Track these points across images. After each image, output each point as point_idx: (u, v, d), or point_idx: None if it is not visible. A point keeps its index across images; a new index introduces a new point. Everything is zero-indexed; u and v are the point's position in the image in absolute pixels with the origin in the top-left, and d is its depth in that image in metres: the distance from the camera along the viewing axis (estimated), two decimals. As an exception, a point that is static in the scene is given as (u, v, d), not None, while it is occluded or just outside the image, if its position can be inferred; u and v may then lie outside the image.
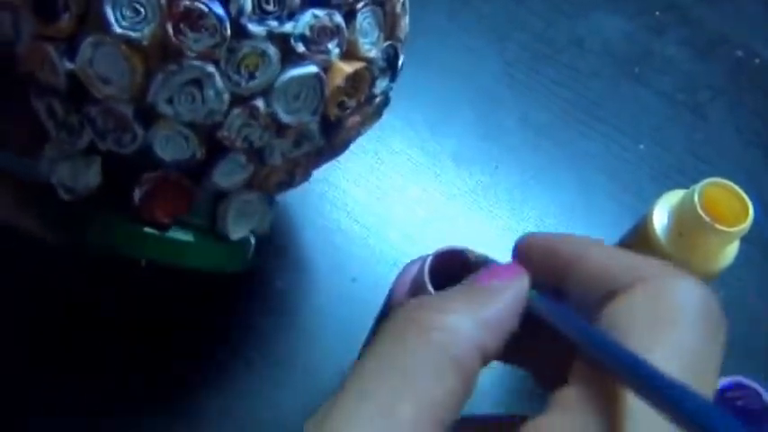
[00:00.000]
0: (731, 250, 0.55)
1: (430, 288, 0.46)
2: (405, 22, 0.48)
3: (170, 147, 0.44)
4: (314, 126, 0.45)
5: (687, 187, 0.54)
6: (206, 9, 0.38)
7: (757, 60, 0.86)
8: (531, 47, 0.84)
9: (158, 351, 0.60)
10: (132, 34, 0.38)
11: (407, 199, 0.72)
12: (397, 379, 0.22)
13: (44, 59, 0.41)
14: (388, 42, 0.47)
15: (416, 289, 0.48)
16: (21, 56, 0.43)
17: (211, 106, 0.41)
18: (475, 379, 0.23)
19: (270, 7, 0.39)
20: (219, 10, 0.38)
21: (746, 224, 0.51)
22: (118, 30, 0.38)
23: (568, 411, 0.21)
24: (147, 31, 0.38)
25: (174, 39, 0.38)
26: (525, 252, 0.27)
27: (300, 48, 0.41)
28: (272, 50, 0.40)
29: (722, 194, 0.53)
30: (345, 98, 0.45)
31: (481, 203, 0.73)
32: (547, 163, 0.76)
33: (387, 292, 0.52)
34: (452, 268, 0.49)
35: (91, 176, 0.45)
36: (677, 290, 0.22)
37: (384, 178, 0.73)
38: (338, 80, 0.43)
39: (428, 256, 0.48)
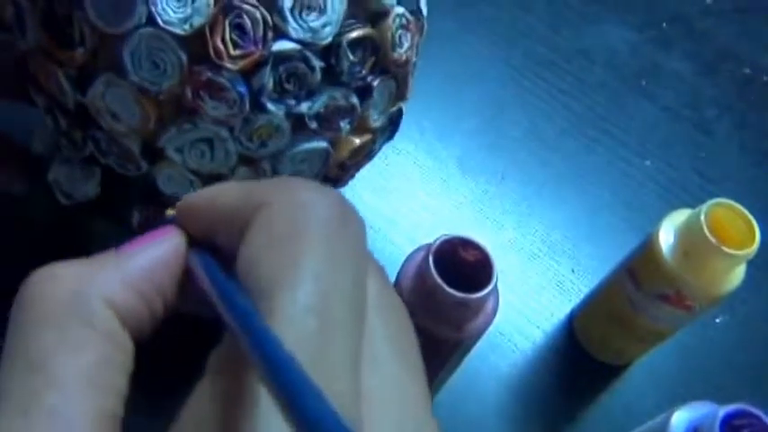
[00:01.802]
0: (738, 273, 0.55)
1: (435, 275, 0.47)
2: (412, 83, 0.48)
3: (172, 183, 0.43)
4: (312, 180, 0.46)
5: (693, 206, 0.54)
6: (228, 84, 0.38)
7: (765, 78, 0.86)
8: (538, 55, 0.84)
9: (151, 355, 0.60)
10: (149, 86, 0.38)
11: (414, 203, 0.73)
12: (27, 368, 0.19)
13: (52, 79, 0.41)
14: (396, 107, 0.47)
15: (421, 276, 0.49)
16: (27, 54, 0.42)
17: (219, 164, 0.41)
18: (119, 335, 0.21)
19: (290, 86, 0.39)
20: (242, 88, 0.38)
21: (753, 247, 0.51)
22: (135, 78, 0.38)
23: (219, 376, 0.20)
24: (164, 85, 0.38)
25: (191, 101, 0.38)
26: (181, 213, 0.24)
27: (313, 125, 0.41)
28: (286, 125, 0.41)
29: (729, 216, 0.53)
30: (347, 161, 0.46)
31: (488, 213, 0.73)
32: (553, 176, 0.76)
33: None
34: (457, 256, 0.49)
35: (90, 187, 0.45)
36: (295, 211, 0.21)
37: (391, 180, 0.73)
38: (344, 152, 0.45)
39: (433, 243, 0.48)
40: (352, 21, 0.40)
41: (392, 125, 0.48)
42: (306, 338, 0.18)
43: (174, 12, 0.37)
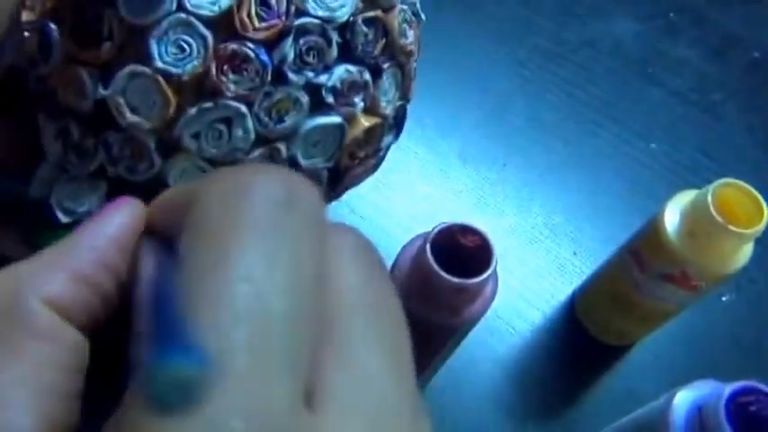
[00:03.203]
0: (745, 252, 0.55)
1: (431, 260, 0.47)
2: (414, 84, 0.51)
3: (184, 179, 0.44)
4: (324, 173, 0.47)
5: (699, 188, 0.54)
6: (252, 54, 0.40)
7: (772, 61, 0.86)
8: (543, 46, 0.84)
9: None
10: (173, 70, 0.40)
11: (413, 195, 0.72)
12: None
13: (74, 83, 0.42)
14: (401, 102, 0.50)
15: (419, 264, 0.49)
16: (47, 76, 0.43)
17: (236, 145, 0.42)
18: (63, 333, 0.20)
19: (309, 59, 0.42)
20: (265, 56, 0.40)
21: (761, 226, 0.51)
22: (159, 64, 0.40)
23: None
24: (189, 67, 0.40)
25: (215, 78, 0.40)
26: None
27: (330, 99, 0.43)
28: (305, 99, 0.43)
29: (736, 195, 0.53)
30: (357, 149, 0.47)
31: (488, 200, 0.73)
32: (556, 161, 0.76)
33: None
34: (456, 243, 0.49)
35: (94, 201, 0.46)
36: (226, 200, 0.19)
37: (390, 174, 0.73)
38: (357, 132, 0.46)
39: (430, 231, 0.48)
40: (364, 5, 0.44)
41: (397, 124, 0.51)
42: (234, 350, 0.17)
43: None
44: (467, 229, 0.49)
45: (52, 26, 0.42)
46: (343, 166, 0.48)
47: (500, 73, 0.82)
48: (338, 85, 0.43)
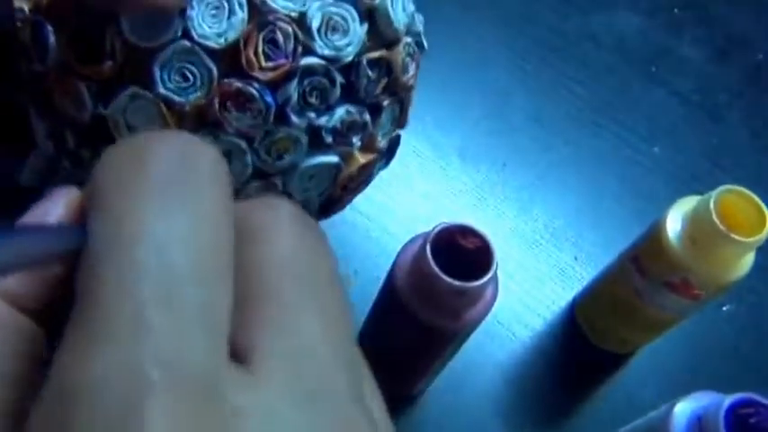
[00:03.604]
0: (746, 260, 0.54)
1: (431, 263, 0.47)
2: (409, 114, 0.52)
3: None
4: (315, 202, 0.48)
5: (701, 193, 0.54)
6: (257, 94, 0.40)
7: (778, 63, 0.86)
8: (544, 40, 0.84)
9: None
10: (176, 98, 0.40)
11: (412, 192, 0.72)
12: None
13: (72, 93, 0.42)
14: (396, 132, 0.50)
15: (418, 264, 0.49)
16: (42, 75, 0.43)
17: (234, 177, 0.42)
18: (9, 319, 0.20)
19: (312, 99, 0.42)
20: (269, 98, 0.40)
21: (763, 234, 0.51)
22: (162, 90, 0.40)
23: None
24: (191, 98, 0.40)
25: (217, 113, 0.40)
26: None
27: (329, 139, 0.44)
28: (304, 138, 0.43)
29: (739, 202, 0.53)
30: (350, 182, 0.48)
31: (488, 201, 0.73)
32: (556, 161, 0.76)
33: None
34: (456, 244, 0.49)
35: None
36: (122, 163, 0.19)
37: (389, 169, 0.73)
38: (352, 169, 0.47)
39: (431, 231, 0.48)
40: (370, 44, 0.44)
41: (389, 151, 0.51)
42: (141, 303, 0.17)
43: (210, 27, 0.39)
44: (467, 231, 0.49)
45: (48, 27, 0.41)
46: (336, 197, 0.48)
47: (500, 67, 0.81)
48: (338, 125, 0.44)
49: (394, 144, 0.51)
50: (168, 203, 0.18)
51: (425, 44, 0.50)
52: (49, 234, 0.20)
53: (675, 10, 0.88)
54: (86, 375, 0.16)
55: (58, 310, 0.21)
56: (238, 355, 0.18)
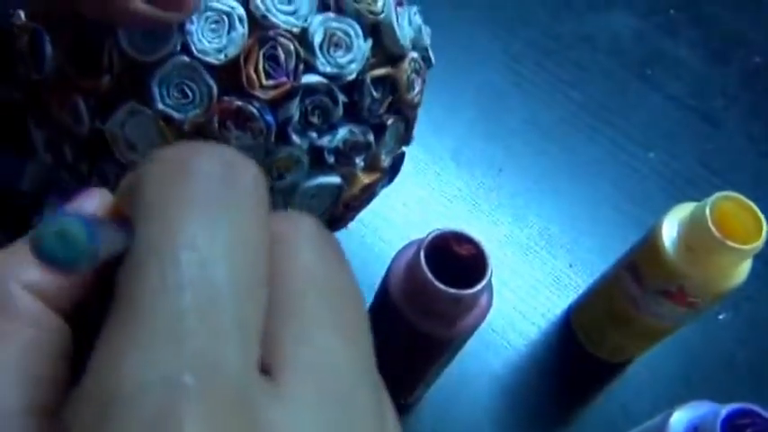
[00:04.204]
0: (743, 268, 0.55)
1: (426, 270, 0.47)
2: (414, 131, 0.51)
3: None
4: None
5: (698, 199, 0.54)
6: (257, 113, 0.40)
7: (776, 67, 0.86)
8: (538, 42, 0.84)
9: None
10: (175, 114, 0.40)
11: (406, 197, 0.72)
12: None
13: (69, 106, 0.41)
14: (400, 150, 0.50)
15: (411, 271, 0.49)
16: (39, 84, 0.42)
17: None
18: (45, 318, 0.21)
19: (314, 119, 0.42)
20: (270, 117, 0.40)
21: (760, 242, 0.51)
22: (160, 106, 0.39)
23: None
24: (190, 114, 0.40)
25: (216, 131, 0.40)
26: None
27: (331, 159, 0.44)
28: (306, 158, 0.43)
29: (735, 209, 0.53)
30: (353, 201, 0.48)
31: (482, 207, 0.73)
32: (551, 167, 0.76)
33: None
34: (450, 251, 0.49)
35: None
36: (167, 176, 0.20)
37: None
38: (355, 190, 0.47)
39: (425, 237, 0.48)
40: (374, 61, 0.44)
41: (393, 169, 0.51)
42: (181, 311, 0.18)
43: (210, 42, 0.39)
44: (461, 238, 0.49)
45: (46, 36, 0.41)
46: (338, 215, 0.48)
47: (495, 70, 0.81)
48: (340, 146, 0.43)
49: (398, 162, 0.51)
50: (212, 217, 0.19)
51: (433, 59, 0.50)
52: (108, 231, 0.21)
53: (671, 11, 0.88)
54: (123, 380, 0.17)
55: (88, 310, 0.21)
56: (265, 363, 0.19)
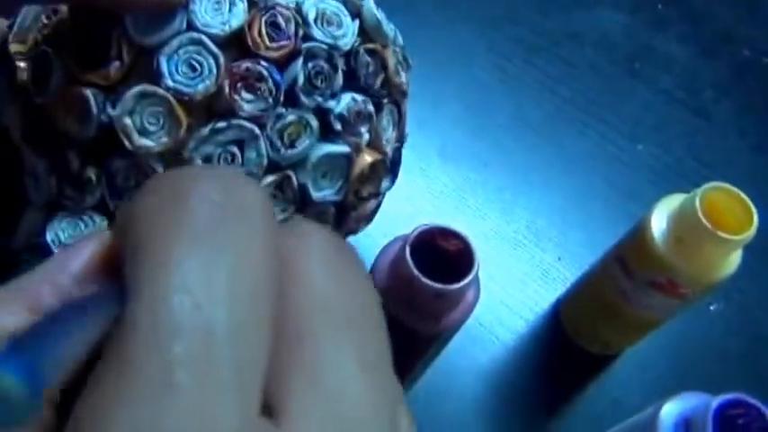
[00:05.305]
0: (733, 259, 0.55)
1: (411, 265, 0.47)
2: (406, 127, 0.53)
3: None
4: (331, 211, 0.48)
5: (687, 192, 0.54)
6: (266, 73, 0.41)
7: (765, 60, 0.87)
8: (525, 38, 0.84)
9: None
10: (185, 89, 0.41)
11: (392, 193, 0.72)
12: None
13: (76, 106, 0.42)
14: (397, 144, 0.51)
15: (396, 267, 0.49)
16: (44, 105, 0.43)
17: (249, 169, 0.43)
18: None
19: (318, 83, 0.43)
20: (278, 76, 0.42)
21: (750, 232, 0.51)
22: (170, 83, 0.40)
23: None
24: (201, 87, 0.41)
25: (228, 97, 0.41)
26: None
27: (338, 126, 0.45)
28: (315, 123, 0.44)
29: (725, 200, 0.53)
30: (361, 187, 0.48)
31: (469, 202, 0.73)
32: (539, 162, 0.76)
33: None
34: (437, 246, 0.49)
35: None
36: (167, 203, 0.19)
37: (367, 171, 0.73)
38: (362, 165, 0.47)
39: (410, 233, 0.48)
40: (363, 39, 0.46)
41: (393, 168, 0.52)
42: (173, 365, 0.17)
43: (212, 17, 0.41)
44: (447, 233, 0.49)
45: (49, 51, 0.42)
46: (349, 203, 0.48)
47: (481, 66, 0.82)
48: (345, 113, 0.45)
49: (397, 159, 0.52)
50: (209, 253, 0.18)
51: (410, 62, 0.51)
52: (93, 306, 0.19)
53: (659, 6, 0.89)
54: None
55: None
56: (270, 405, 0.18)
